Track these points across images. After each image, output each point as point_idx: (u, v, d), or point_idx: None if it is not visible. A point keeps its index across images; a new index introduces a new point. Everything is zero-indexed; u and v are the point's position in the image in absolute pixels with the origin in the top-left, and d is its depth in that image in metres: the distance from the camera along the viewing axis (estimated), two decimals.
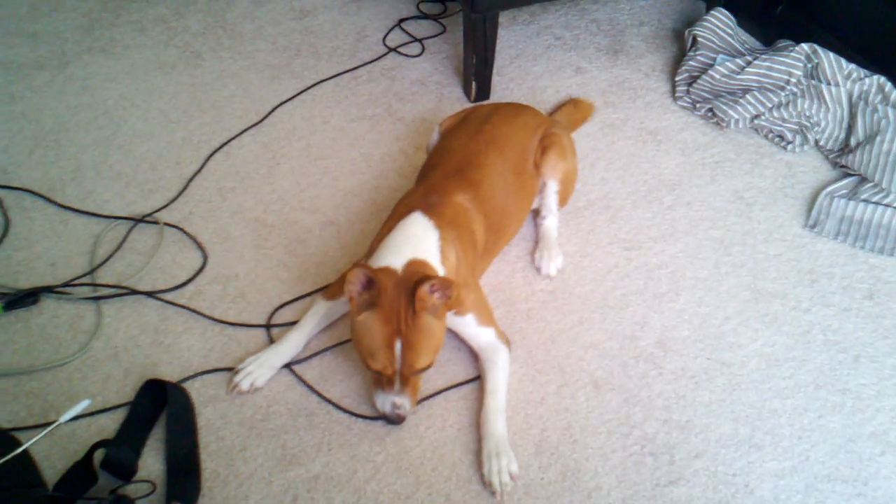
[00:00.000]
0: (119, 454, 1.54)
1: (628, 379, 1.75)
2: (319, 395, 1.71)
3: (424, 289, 1.48)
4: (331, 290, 1.82)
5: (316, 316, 1.80)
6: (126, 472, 1.54)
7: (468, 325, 1.72)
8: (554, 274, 1.96)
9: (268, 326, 1.84)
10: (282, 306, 1.88)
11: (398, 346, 1.50)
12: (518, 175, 1.92)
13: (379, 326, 1.50)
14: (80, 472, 1.50)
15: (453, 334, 1.75)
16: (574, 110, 2.39)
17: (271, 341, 1.80)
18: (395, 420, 1.58)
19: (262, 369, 1.71)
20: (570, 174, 2.02)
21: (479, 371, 1.73)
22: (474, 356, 1.76)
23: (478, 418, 1.65)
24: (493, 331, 1.74)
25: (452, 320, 1.68)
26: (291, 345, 1.76)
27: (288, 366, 1.75)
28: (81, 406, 1.63)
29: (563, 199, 2.04)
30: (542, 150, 1.97)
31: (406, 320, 1.50)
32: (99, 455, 1.53)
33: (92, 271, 1.95)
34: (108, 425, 1.64)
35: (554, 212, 2.02)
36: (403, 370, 1.53)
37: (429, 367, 1.57)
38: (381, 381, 1.56)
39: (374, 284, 1.51)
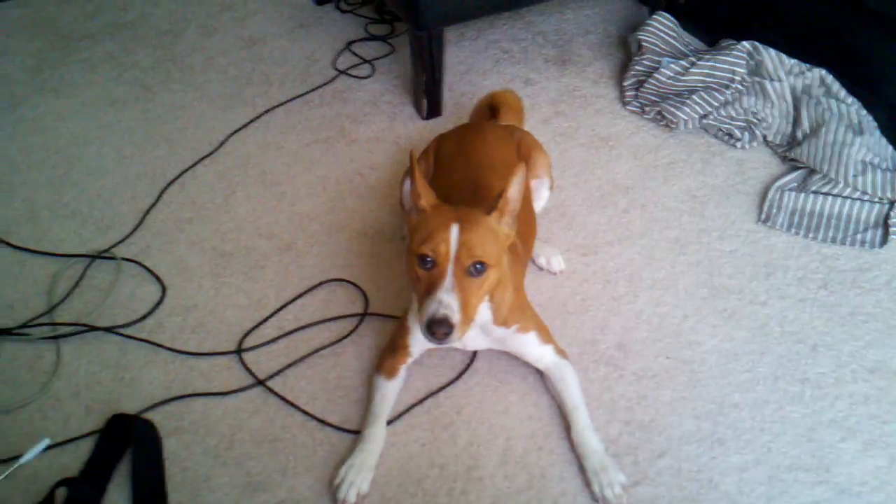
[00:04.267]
0: (81, 492, 1.53)
1: (590, 383, 1.76)
2: (296, 406, 1.72)
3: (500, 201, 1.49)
4: (386, 367, 1.72)
5: (383, 400, 1.69)
6: None
7: (531, 344, 1.69)
8: (564, 268, 2.01)
9: (239, 352, 1.84)
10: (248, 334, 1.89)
11: (455, 229, 1.43)
12: None
13: (441, 214, 1.48)
14: None
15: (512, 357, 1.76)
16: (507, 110, 2.29)
17: (245, 367, 1.80)
18: (440, 327, 1.40)
19: (361, 474, 1.58)
20: (550, 165, 2.05)
21: (551, 391, 1.72)
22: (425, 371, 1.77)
23: (570, 440, 1.64)
24: (553, 347, 1.72)
25: (515, 339, 1.67)
26: (375, 438, 1.63)
27: (262, 382, 1.76)
28: (41, 446, 1.62)
29: (552, 187, 2.06)
30: (526, 156, 1.97)
31: (468, 215, 1.48)
32: (62, 494, 1.52)
33: (50, 311, 1.94)
34: (72, 464, 1.62)
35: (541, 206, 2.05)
36: (459, 256, 1.43)
37: (487, 266, 1.45)
38: (431, 283, 1.44)
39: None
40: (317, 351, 1.83)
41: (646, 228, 2.13)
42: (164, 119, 2.58)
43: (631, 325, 1.88)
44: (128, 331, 1.89)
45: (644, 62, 2.62)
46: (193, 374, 1.80)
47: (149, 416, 1.71)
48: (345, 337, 1.86)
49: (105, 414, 1.70)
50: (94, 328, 1.89)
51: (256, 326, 1.90)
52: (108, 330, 1.89)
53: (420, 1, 2.25)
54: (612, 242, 2.09)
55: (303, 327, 1.89)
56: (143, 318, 1.92)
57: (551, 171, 2.04)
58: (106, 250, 2.09)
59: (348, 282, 2.00)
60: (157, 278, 2.02)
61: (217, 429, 1.69)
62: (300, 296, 1.97)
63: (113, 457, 1.63)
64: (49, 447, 1.65)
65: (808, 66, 2.41)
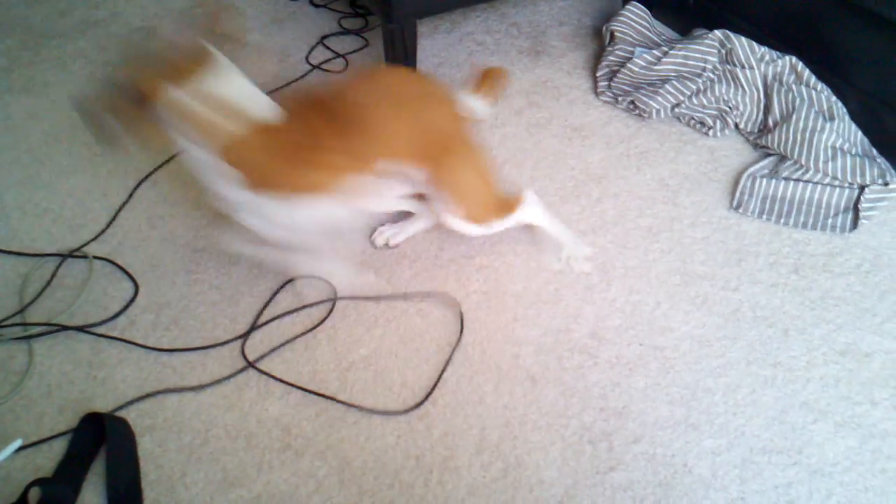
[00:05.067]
0: (55, 491, 1.51)
1: (564, 371, 1.76)
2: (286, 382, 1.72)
3: None
4: None
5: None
6: None
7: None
8: (588, 269, 1.99)
9: (211, 347, 1.83)
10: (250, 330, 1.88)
11: None
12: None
13: None
14: None
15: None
16: (484, 80, 1.97)
17: (217, 362, 1.79)
18: None
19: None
20: (472, 194, 1.83)
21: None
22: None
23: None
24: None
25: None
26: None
27: (253, 365, 1.77)
28: (13, 447, 1.61)
29: (475, 219, 1.85)
30: (434, 153, 1.73)
31: None
32: (35, 494, 1.51)
33: (21, 311, 1.92)
34: (45, 464, 1.61)
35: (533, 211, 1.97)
36: None
37: None
38: None
39: None
40: (289, 342, 1.83)
41: (619, 217, 2.13)
42: None
43: (604, 313, 1.89)
44: (100, 329, 1.88)
45: (617, 52, 2.63)
46: (167, 371, 1.79)
47: (122, 414, 1.70)
48: (317, 326, 1.86)
49: (78, 413, 1.69)
50: (66, 327, 1.87)
51: (230, 322, 1.89)
52: (81, 329, 1.87)
53: None
54: (586, 232, 2.09)
55: (277, 318, 1.89)
56: (116, 316, 1.91)
57: (472, 201, 1.83)
58: (77, 249, 2.08)
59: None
60: (130, 276, 2.01)
61: (191, 425, 1.68)
62: (276, 293, 1.96)
63: (87, 456, 1.62)
64: (21, 447, 1.64)
65: (779, 53, 2.42)
